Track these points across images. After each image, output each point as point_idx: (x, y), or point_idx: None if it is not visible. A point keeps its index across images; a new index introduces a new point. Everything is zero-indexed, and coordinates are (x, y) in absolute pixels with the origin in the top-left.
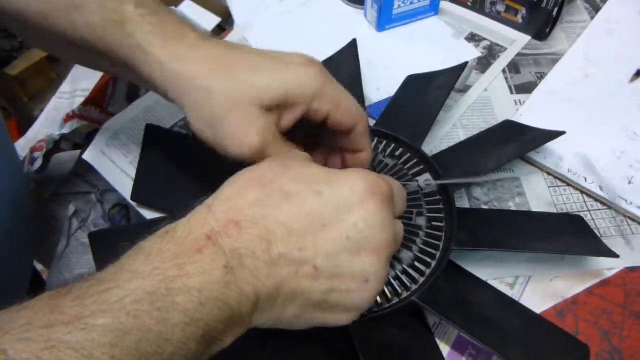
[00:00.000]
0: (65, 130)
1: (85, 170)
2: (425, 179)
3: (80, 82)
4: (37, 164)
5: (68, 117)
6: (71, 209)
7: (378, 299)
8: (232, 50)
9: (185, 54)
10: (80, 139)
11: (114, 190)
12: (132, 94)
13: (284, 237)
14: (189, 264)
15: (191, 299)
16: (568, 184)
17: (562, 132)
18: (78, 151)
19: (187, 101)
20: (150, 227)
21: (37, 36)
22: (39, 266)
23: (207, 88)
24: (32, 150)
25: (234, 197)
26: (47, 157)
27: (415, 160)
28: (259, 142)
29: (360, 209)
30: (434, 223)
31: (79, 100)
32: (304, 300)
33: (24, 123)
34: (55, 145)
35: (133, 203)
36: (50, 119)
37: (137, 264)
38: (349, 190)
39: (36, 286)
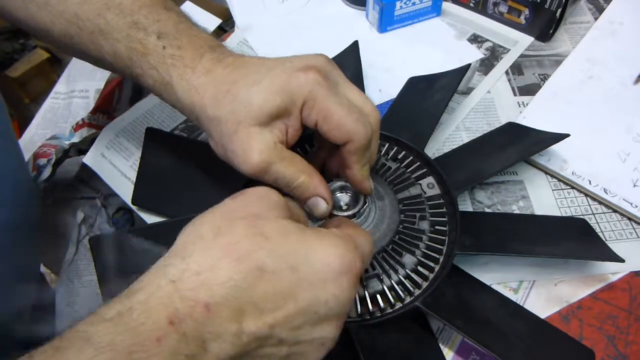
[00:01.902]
0: (76, 139)
1: (88, 175)
2: (428, 183)
3: (77, 83)
4: (46, 173)
5: (78, 126)
6: (80, 215)
7: (382, 304)
8: (238, 68)
9: (198, 84)
10: (85, 145)
11: (117, 194)
12: (135, 99)
13: (256, 316)
14: (145, 359)
15: None
16: (572, 187)
17: (567, 135)
18: (82, 157)
19: (203, 127)
20: (151, 231)
21: (64, 51)
22: (42, 268)
23: (214, 117)
24: (36, 156)
25: (204, 271)
26: (55, 166)
27: (418, 163)
28: (259, 160)
29: (333, 287)
30: (437, 227)
31: (78, 101)
32: None
33: (26, 125)
34: (65, 154)
35: (134, 207)
36: (47, 120)
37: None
38: (323, 267)
39: (41, 291)
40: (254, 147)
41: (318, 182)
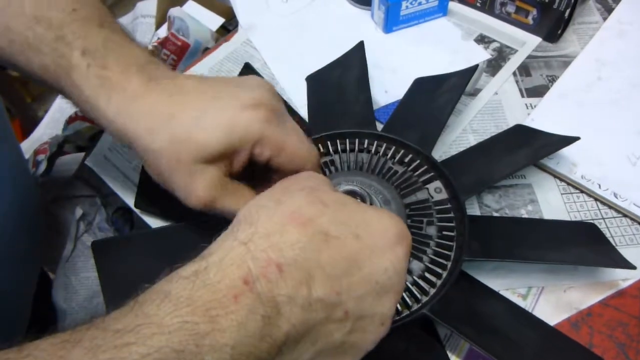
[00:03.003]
0: (69, 132)
1: (88, 174)
2: (435, 187)
3: None
4: (42, 167)
5: (71, 119)
6: (78, 212)
7: None
8: (174, 95)
9: (128, 109)
10: (84, 142)
11: (116, 194)
12: None
13: (324, 282)
14: (223, 316)
15: (223, 357)
16: (582, 191)
17: (577, 138)
18: (81, 154)
19: (138, 154)
20: (156, 238)
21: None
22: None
23: (149, 149)
24: (36, 153)
25: (273, 234)
26: (51, 160)
27: (425, 167)
28: (205, 198)
29: (391, 255)
30: (444, 233)
31: None
32: (326, 343)
33: (28, 124)
34: (59, 148)
35: (137, 210)
36: (55, 120)
37: (163, 314)
38: (382, 235)
39: (43, 287)
40: (197, 184)
41: None
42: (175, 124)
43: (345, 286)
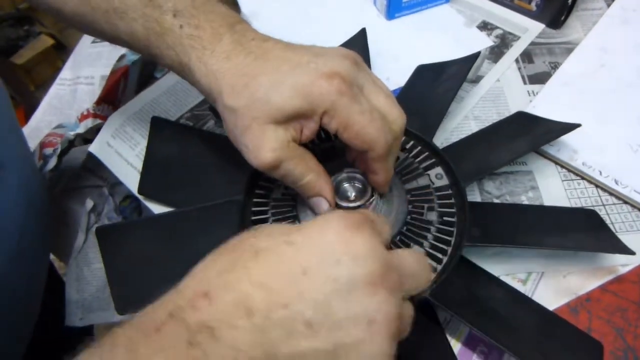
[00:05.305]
0: (81, 130)
1: (95, 164)
2: (436, 173)
3: (82, 69)
4: (52, 163)
5: (83, 116)
6: (89, 203)
7: None
8: (259, 59)
9: (216, 68)
10: (91, 135)
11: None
12: (141, 90)
13: (264, 298)
14: (143, 347)
15: None
16: (583, 178)
17: (578, 125)
18: (89, 145)
19: (219, 111)
20: (161, 223)
21: (80, 30)
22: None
23: (230, 107)
24: (43, 145)
25: (201, 271)
26: (61, 156)
27: (426, 153)
28: (271, 158)
29: (340, 245)
30: (445, 218)
31: (83, 88)
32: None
33: (32, 112)
34: (70, 144)
35: (140, 197)
36: (53, 107)
37: (84, 355)
38: (322, 232)
39: (51, 281)
40: (266, 144)
41: (323, 183)
42: (255, 85)
43: (293, 296)
